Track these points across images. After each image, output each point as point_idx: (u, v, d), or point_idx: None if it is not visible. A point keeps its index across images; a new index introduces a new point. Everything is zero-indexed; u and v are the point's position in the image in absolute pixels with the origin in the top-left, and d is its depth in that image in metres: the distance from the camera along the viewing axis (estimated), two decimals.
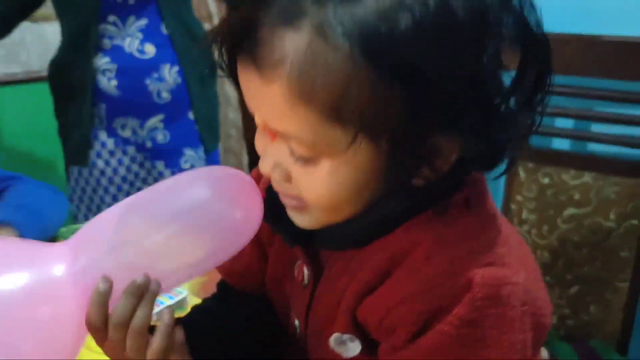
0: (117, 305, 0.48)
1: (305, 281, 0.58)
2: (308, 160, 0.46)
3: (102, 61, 1.35)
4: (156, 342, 0.50)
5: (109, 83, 1.36)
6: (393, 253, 0.50)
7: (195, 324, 0.61)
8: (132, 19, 1.34)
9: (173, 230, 0.49)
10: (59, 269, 0.47)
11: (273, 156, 0.48)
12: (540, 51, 0.46)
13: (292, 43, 0.41)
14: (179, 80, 1.40)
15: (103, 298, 0.47)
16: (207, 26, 1.83)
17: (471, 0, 0.41)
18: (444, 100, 0.42)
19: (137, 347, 0.49)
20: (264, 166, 0.49)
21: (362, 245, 0.52)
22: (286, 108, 0.43)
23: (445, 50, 0.41)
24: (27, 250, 0.48)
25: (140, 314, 0.48)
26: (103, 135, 1.42)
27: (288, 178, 0.48)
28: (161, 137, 1.44)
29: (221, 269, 0.69)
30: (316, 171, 0.46)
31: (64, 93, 1.44)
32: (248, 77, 0.45)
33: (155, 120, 1.42)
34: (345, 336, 0.54)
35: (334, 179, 0.46)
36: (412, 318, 0.48)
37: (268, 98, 0.44)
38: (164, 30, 1.37)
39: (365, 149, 0.44)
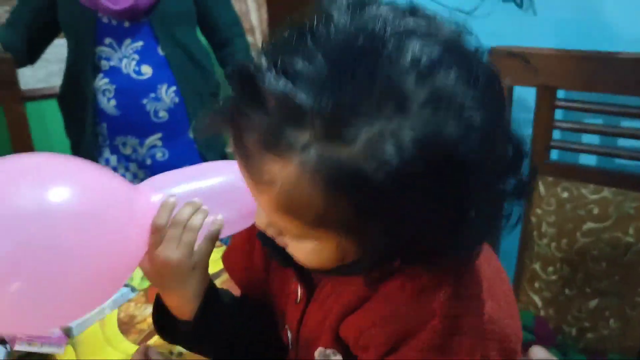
0: (179, 210, 0.61)
1: (299, 299, 0.63)
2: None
3: (102, 82, 1.41)
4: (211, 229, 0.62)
5: (108, 103, 1.43)
6: (372, 280, 0.54)
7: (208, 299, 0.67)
8: (127, 41, 1.40)
9: (216, 190, 0.66)
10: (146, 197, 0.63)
11: (268, 217, 0.53)
12: (523, 160, 0.48)
13: (280, 172, 0.44)
14: (177, 100, 1.45)
15: (170, 206, 0.61)
16: (250, 39, 1.84)
17: (450, 150, 0.41)
18: (423, 223, 0.44)
19: (190, 241, 0.61)
20: (259, 221, 0.55)
21: (348, 275, 0.56)
22: (275, 213, 0.47)
23: (422, 194, 0.42)
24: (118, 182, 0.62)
25: (195, 217, 0.62)
26: (107, 153, 1.49)
27: (280, 234, 0.54)
28: (160, 155, 1.49)
29: (234, 277, 0.74)
30: (304, 247, 0.51)
31: (70, 112, 1.52)
32: (242, 171, 0.49)
33: (154, 139, 1.48)
34: (329, 351, 0.59)
35: (319, 256, 0.51)
36: (382, 339, 0.52)
37: (259, 199, 0.48)
38: (160, 51, 1.43)
39: (348, 240, 0.48)
